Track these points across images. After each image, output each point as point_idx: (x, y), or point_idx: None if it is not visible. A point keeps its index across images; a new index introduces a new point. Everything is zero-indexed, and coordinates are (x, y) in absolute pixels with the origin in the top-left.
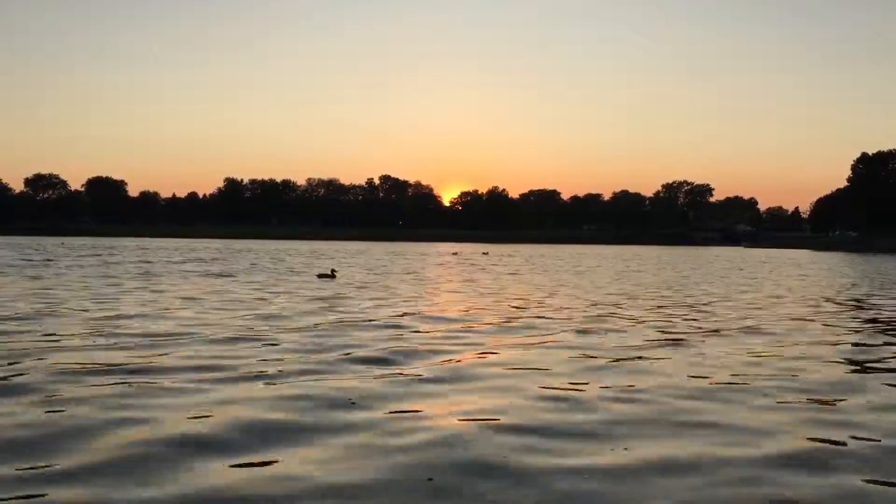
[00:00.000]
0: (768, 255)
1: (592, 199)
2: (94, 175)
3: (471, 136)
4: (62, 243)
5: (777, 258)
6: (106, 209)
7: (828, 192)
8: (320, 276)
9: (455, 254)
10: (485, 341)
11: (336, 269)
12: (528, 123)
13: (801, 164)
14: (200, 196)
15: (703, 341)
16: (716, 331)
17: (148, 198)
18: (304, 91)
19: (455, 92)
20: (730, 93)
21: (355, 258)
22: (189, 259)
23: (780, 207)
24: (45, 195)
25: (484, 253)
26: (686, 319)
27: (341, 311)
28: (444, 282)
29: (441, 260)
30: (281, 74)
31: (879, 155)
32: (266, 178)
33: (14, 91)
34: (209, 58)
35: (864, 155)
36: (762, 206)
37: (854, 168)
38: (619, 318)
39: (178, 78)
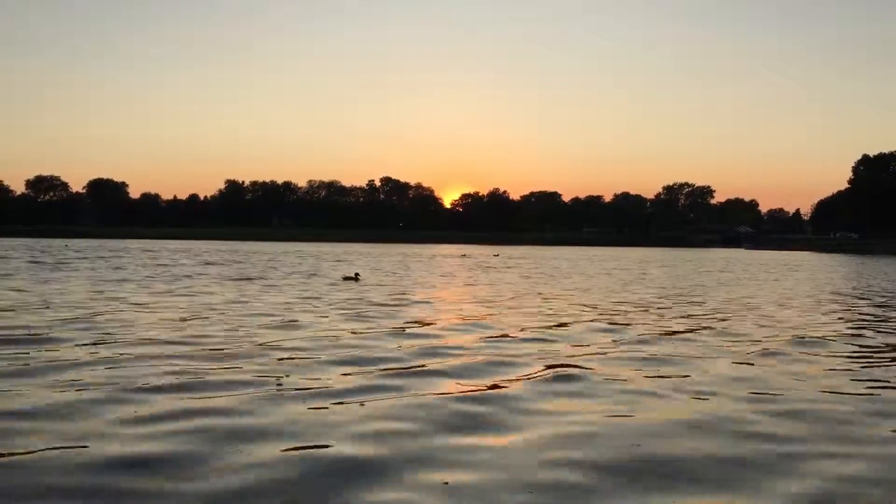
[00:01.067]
0: (776, 257)
1: (593, 201)
2: (95, 177)
3: (472, 138)
4: (66, 245)
5: (788, 261)
6: (107, 211)
7: (829, 193)
8: (345, 278)
9: (464, 255)
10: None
11: (360, 273)
12: (529, 125)
13: (802, 166)
14: (201, 198)
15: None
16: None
17: (149, 199)
18: (305, 93)
19: (456, 94)
20: (730, 95)
21: (372, 261)
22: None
23: (782, 209)
24: (46, 197)
25: (495, 255)
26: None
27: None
28: (538, 285)
29: (466, 262)
30: (282, 76)
31: (881, 157)
32: (267, 179)
33: (15, 93)
34: (210, 59)
35: (865, 157)
36: (763, 208)
37: (855, 170)
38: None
39: (179, 79)
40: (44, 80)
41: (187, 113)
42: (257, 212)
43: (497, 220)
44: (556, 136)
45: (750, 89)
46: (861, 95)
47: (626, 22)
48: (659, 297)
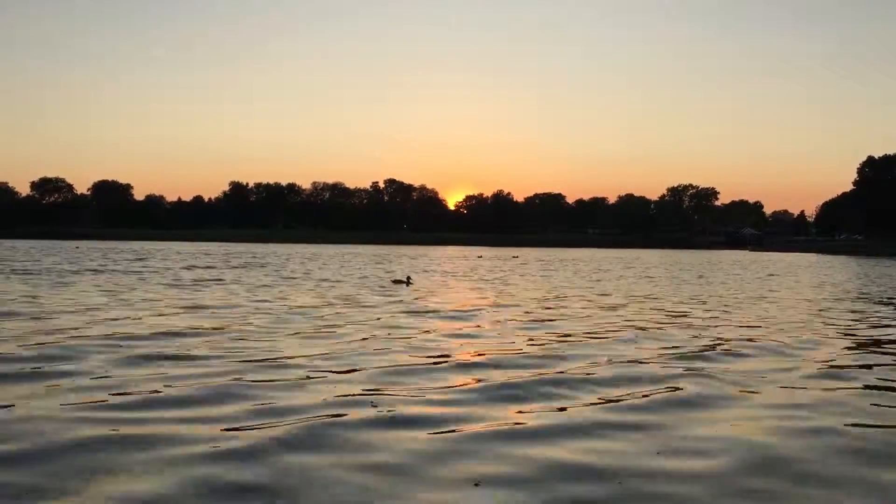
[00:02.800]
0: (788, 259)
1: (597, 203)
2: (100, 179)
3: (476, 140)
4: (77, 247)
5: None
6: (111, 213)
7: (834, 195)
8: (395, 281)
9: (480, 257)
10: None
11: (411, 277)
12: (533, 127)
13: (806, 168)
14: (206, 199)
15: None
16: None
17: (153, 201)
18: (309, 95)
19: (460, 96)
20: (735, 96)
21: (397, 263)
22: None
23: (786, 211)
24: (51, 199)
25: (514, 256)
26: None
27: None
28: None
29: (502, 265)
30: (286, 78)
31: (886, 158)
32: (271, 181)
33: (19, 95)
34: (214, 61)
35: (870, 158)
36: (767, 210)
37: (860, 171)
38: None
39: (184, 81)
40: (48, 81)
41: (192, 115)
42: (261, 213)
43: (501, 221)
44: (559, 138)
45: (754, 90)
46: (866, 96)
47: (630, 23)
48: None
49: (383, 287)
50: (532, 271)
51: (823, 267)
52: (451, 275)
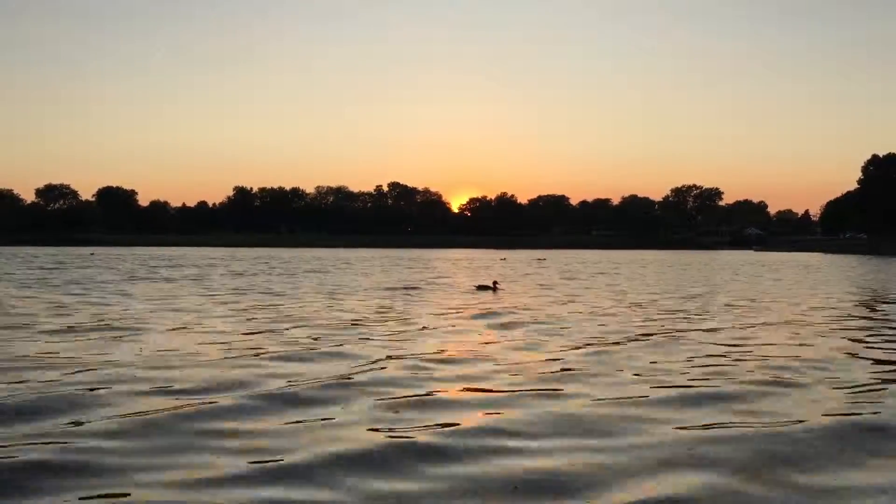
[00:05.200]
0: (786, 259)
1: (601, 204)
2: (105, 185)
3: (479, 142)
4: (92, 254)
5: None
6: (116, 219)
7: (838, 194)
8: (480, 287)
9: (503, 259)
10: None
11: (498, 282)
12: (536, 129)
13: (810, 167)
14: (210, 205)
15: None
16: None
17: (158, 207)
18: (312, 99)
19: (463, 98)
20: (738, 96)
21: (427, 267)
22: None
23: (790, 210)
24: (56, 205)
25: (540, 259)
26: None
27: None
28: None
29: (545, 268)
30: (288, 82)
31: (890, 157)
32: (275, 186)
33: (23, 102)
34: (217, 66)
35: (874, 157)
36: (772, 210)
37: (865, 170)
38: None
39: (186, 86)
40: (52, 88)
41: (196, 120)
42: (266, 218)
43: (505, 223)
44: (563, 139)
45: (758, 90)
46: (870, 95)
47: (631, 23)
48: None
49: (471, 293)
50: (593, 274)
51: (847, 268)
52: (509, 280)
